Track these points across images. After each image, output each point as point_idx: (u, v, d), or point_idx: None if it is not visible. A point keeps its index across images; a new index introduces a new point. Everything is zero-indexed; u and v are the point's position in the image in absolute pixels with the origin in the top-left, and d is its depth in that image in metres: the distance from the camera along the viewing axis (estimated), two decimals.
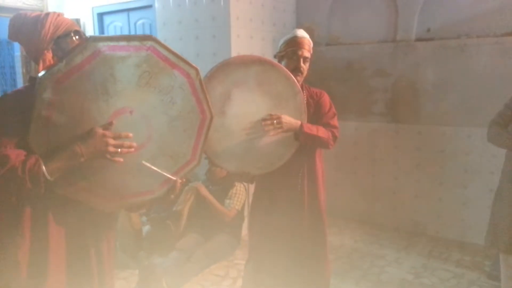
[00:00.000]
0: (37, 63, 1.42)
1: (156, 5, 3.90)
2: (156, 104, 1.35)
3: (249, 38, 3.67)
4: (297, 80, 2.11)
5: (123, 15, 4.50)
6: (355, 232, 4.01)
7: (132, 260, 3.14)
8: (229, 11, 3.44)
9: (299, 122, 2.03)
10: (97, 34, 4.68)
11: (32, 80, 1.44)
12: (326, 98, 2.30)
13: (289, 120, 1.99)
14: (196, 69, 1.38)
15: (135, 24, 4.43)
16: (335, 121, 2.27)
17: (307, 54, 2.19)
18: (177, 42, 3.74)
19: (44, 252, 1.37)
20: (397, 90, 3.95)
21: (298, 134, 2.05)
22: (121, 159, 1.31)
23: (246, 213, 3.31)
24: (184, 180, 1.54)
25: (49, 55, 1.40)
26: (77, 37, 1.44)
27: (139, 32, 4.37)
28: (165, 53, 1.30)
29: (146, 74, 1.29)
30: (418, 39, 3.80)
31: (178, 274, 2.82)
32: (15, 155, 1.23)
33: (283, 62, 2.19)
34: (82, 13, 4.81)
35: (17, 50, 5.91)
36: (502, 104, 2.38)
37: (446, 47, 3.66)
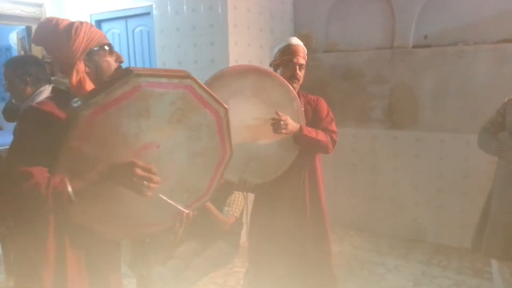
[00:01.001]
0: (64, 72, 1.38)
1: (154, 12, 3.91)
2: (183, 140, 1.35)
3: (246, 45, 3.68)
4: (294, 88, 2.12)
5: (121, 22, 4.51)
6: (354, 239, 3.99)
7: (129, 269, 3.11)
8: (226, 18, 3.45)
9: (299, 125, 2.05)
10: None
11: (55, 92, 1.42)
12: (323, 104, 2.31)
13: (291, 122, 2.01)
14: (226, 109, 1.39)
15: (133, 31, 4.43)
16: (333, 126, 2.28)
17: (302, 61, 2.20)
18: (175, 49, 3.75)
19: (65, 270, 1.33)
20: (395, 97, 3.95)
21: (297, 136, 2.05)
22: (150, 193, 1.26)
23: (244, 220, 3.29)
24: (194, 213, 1.52)
25: (82, 66, 1.36)
26: (111, 50, 1.42)
27: (137, 39, 4.37)
28: (200, 92, 1.31)
29: (179, 111, 1.29)
30: (416, 46, 3.81)
31: (176, 282, 2.79)
32: (39, 171, 1.19)
33: (278, 71, 2.20)
34: (81, 20, 4.82)
35: None
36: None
37: (444, 53, 3.67)
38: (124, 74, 1.19)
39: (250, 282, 2.42)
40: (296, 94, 2.09)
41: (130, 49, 4.47)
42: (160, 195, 1.37)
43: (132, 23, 4.40)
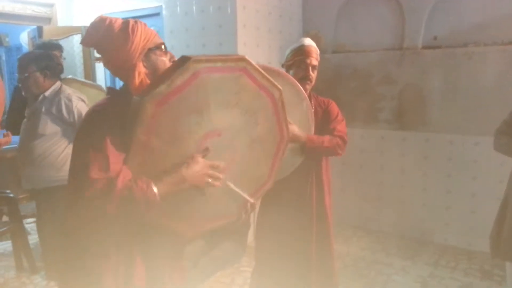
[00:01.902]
0: (119, 74, 1.34)
1: (164, 13, 3.93)
2: (242, 125, 1.33)
3: (255, 46, 3.69)
4: (306, 89, 2.12)
5: None
6: (362, 240, 3.98)
7: None
8: (236, 19, 3.46)
9: (304, 136, 2.04)
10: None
11: (112, 92, 1.39)
12: (333, 106, 2.32)
13: (295, 130, 1.98)
14: (280, 90, 1.37)
15: None
16: (343, 126, 2.27)
17: (315, 62, 2.20)
18: (184, 50, 3.76)
19: (130, 276, 1.31)
20: (404, 98, 3.93)
21: (302, 147, 2.06)
22: (208, 192, 1.30)
23: (252, 220, 3.30)
24: (258, 202, 1.53)
25: (142, 67, 1.31)
26: (163, 50, 1.37)
27: None
28: (255, 74, 1.29)
29: (236, 96, 1.27)
30: (425, 47, 3.79)
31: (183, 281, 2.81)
32: (124, 175, 1.16)
33: (291, 72, 2.20)
34: (91, 20, 4.86)
35: None
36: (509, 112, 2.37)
37: (453, 55, 3.65)
38: (181, 62, 1.17)
39: (256, 281, 2.43)
40: (306, 94, 2.08)
41: None
42: (228, 183, 1.37)
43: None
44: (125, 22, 1.31)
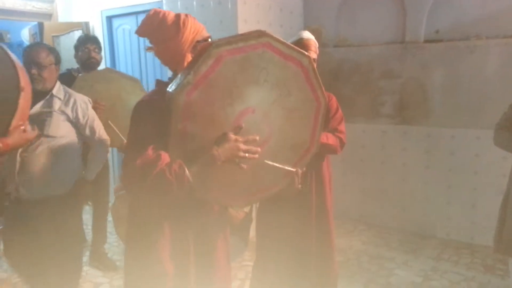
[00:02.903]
0: (170, 64, 1.46)
1: (164, 8, 3.92)
2: (275, 99, 1.36)
3: None
4: None
5: (132, 18, 4.53)
6: (364, 234, 3.99)
7: (123, 242, 3.15)
8: (236, 14, 3.45)
9: None
10: (106, 37, 4.72)
11: (160, 84, 1.48)
12: (334, 102, 2.32)
13: None
14: (309, 57, 1.38)
15: None
16: (342, 126, 2.29)
17: (314, 55, 2.19)
18: None
19: (185, 251, 1.48)
20: (405, 92, 3.92)
21: None
22: (245, 166, 1.35)
23: (253, 214, 3.31)
24: (304, 169, 1.57)
25: (190, 58, 1.41)
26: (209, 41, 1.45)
27: None
28: (279, 46, 1.30)
29: (264, 71, 1.30)
30: (427, 41, 3.78)
31: None
32: (162, 158, 1.27)
33: None
34: (91, 16, 4.86)
35: None
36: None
37: (455, 48, 3.63)
38: (204, 49, 1.22)
39: (257, 276, 2.44)
40: None
41: (141, 45, 4.49)
42: (266, 161, 1.40)
43: (142, 18, 4.42)
44: (177, 15, 1.42)
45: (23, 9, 4.70)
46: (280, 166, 1.43)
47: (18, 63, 1.45)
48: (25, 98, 1.43)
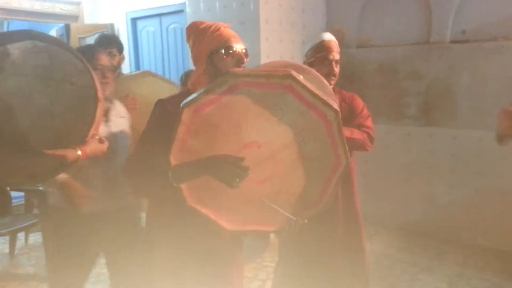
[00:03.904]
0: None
1: (187, 9, 3.96)
2: (287, 142, 1.33)
3: (278, 41, 3.67)
4: (330, 84, 2.09)
5: (156, 20, 4.60)
6: (386, 238, 3.92)
7: None
8: (258, 14, 3.45)
9: None
10: (130, 38, 4.80)
11: (183, 91, 1.57)
12: (358, 101, 2.28)
13: None
14: (336, 111, 1.31)
15: (167, 28, 4.51)
16: (369, 122, 2.24)
17: (337, 56, 2.16)
18: None
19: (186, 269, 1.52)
20: (431, 93, 3.85)
21: None
22: (237, 185, 1.31)
23: None
24: (306, 221, 1.49)
25: (202, 66, 1.48)
26: (230, 52, 1.47)
27: (171, 36, 4.45)
28: (303, 92, 1.26)
29: (280, 111, 1.28)
30: (453, 41, 3.69)
31: None
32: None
33: (313, 69, 2.17)
34: (117, 18, 4.95)
35: None
36: None
37: (482, 49, 3.54)
38: (224, 74, 1.25)
39: (279, 277, 2.43)
40: (331, 90, 2.06)
41: (164, 46, 4.55)
42: (263, 199, 1.37)
43: (166, 20, 4.49)
44: (209, 25, 1.50)
45: (51, 11, 4.83)
46: (277, 208, 1.38)
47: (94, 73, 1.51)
48: (101, 108, 1.49)
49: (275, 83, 1.23)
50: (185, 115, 1.22)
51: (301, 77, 1.26)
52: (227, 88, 1.21)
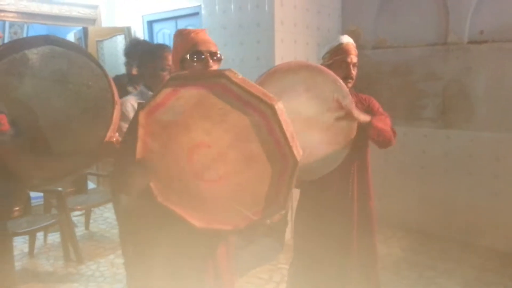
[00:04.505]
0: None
1: (203, 12, 3.99)
2: (232, 141, 1.31)
3: (293, 42, 3.67)
4: (347, 87, 2.08)
5: (171, 23, 4.64)
6: (403, 241, 3.88)
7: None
8: (273, 16, 3.46)
9: (369, 117, 2.01)
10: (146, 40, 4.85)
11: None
12: (375, 102, 2.28)
13: (357, 113, 1.96)
14: (272, 108, 1.26)
15: None
16: (389, 120, 2.23)
17: (355, 59, 2.15)
18: (221, 48, 3.75)
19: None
20: (448, 95, 3.80)
21: (367, 127, 2.01)
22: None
23: (289, 217, 3.30)
24: (268, 222, 1.47)
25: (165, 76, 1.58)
26: (194, 58, 1.51)
27: None
28: (237, 90, 1.25)
29: (221, 110, 1.28)
30: (471, 42, 3.64)
31: None
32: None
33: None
34: (133, 21, 5.01)
35: None
36: None
37: (501, 50, 3.48)
38: (169, 78, 1.30)
39: (293, 277, 2.43)
40: (348, 91, 2.05)
41: None
42: (219, 196, 1.37)
43: (182, 23, 4.52)
44: (186, 30, 1.55)
45: (69, 15, 4.91)
46: (237, 207, 1.36)
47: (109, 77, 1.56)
48: (117, 110, 1.53)
49: (211, 83, 1.25)
50: (141, 118, 1.28)
51: (239, 75, 1.26)
52: (170, 92, 1.26)
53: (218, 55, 1.57)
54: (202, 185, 1.34)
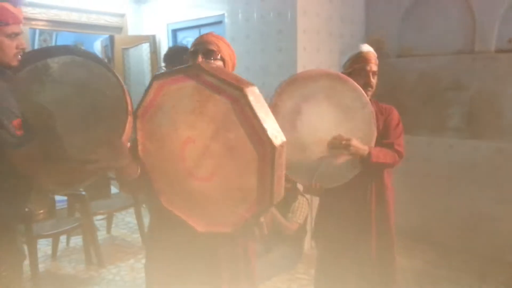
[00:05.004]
0: None
1: (226, 20, 4.03)
2: (213, 133, 1.29)
3: (315, 51, 3.65)
4: (367, 95, 2.08)
5: (195, 31, 4.71)
6: (425, 254, 3.77)
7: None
8: (296, 24, 3.45)
9: (366, 150, 1.98)
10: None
11: None
12: (395, 115, 2.25)
13: (357, 145, 1.95)
14: (241, 90, 1.21)
15: None
16: (401, 140, 2.20)
17: (375, 68, 2.16)
18: (244, 56, 3.82)
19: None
20: (475, 105, 3.70)
21: (364, 161, 2.00)
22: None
23: (308, 227, 3.26)
24: (262, 219, 1.47)
25: None
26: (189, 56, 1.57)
27: None
28: (210, 78, 1.25)
29: (198, 103, 1.29)
30: (499, 50, 3.54)
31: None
32: None
33: None
34: (158, 29, 5.10)
35: None
36: None
37: None
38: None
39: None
40: (368, 99, 2.04)
41: None
42: (211, 194, 1.36)
43: (205, 31, 4.56)
44: None
45: (97, 23, 5.04)
46: (229, 206, 1.33)
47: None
48: (130, 122, 1.55)
49: (188, 76, 1.28)
50: (138, 122, 1.37)
51: (214, 64, 1.32)
52: (156, 89, 1.32)
53: (214, 53, 1.54)
54: (196, 185, 1.35)
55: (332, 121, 1.97)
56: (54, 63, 1.56)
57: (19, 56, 1.56)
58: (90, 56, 1.60)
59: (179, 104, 1.31)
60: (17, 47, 1.54)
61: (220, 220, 1.39)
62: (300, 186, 2.47)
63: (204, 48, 1.55)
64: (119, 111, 1.53)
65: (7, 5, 1.49)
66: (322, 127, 1.97)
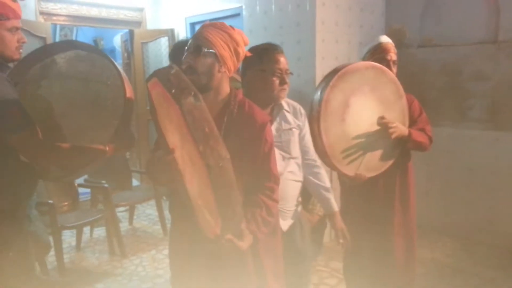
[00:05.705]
0: None
1: (244, 13, 4.02)
2: (180, 142, 1.31)
3: (334, 42, 3.62)
4: None
5: None
6: (447, 246, 3.74)
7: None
8: (314, 16, 3.43)
9: (407, 130, 2.10)
10: None
11: None
12: (417, 103, 2.31)
13: (401, 127, 2.06)
14: (197, 95, 1.27)
15: None
16: (429, 125, 2.29)
17: (394, 57, 2.22)
18: None
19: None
20: (498, 95, 3.62)
21: (406, 140, 2.10)
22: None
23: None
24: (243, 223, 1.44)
25: None
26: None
27: None
28: (165, 85, 1.27)
29: (166, 110, 1.30)
30: None
31: None
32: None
33: None
34: (176, 23, 5.13)
35: (119, 58, 6.42)
36: None
37: None
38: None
39: (349, 280, 2.54)
40: (403, 91, 2.12)
41: None
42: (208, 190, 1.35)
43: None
44: None
45: (116, 18, 5.09)
46: (207, 216, 1.33)
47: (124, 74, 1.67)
48: (129, 106, 1.63)
49: (156, 82, 1.27)
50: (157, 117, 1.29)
51: (173, 70, 1.27)
52: (150, 91, 1.29)
53: (201, 49, 1.48)
54: (201, 192, 1.33)
55: (376, 112, 2.05)
56: (61, 58, 1.68)
57: (21, 50, 1.64)
58: (93, 50, 1.73)
59: (160, 109, 1.29)
60: (18, 41, 1.61)
61: (228, 215, 1.40)
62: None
63: (192, 43, 1.49)
64: (119, 100, 1.62)
65: (7, 0, 1.54)
66: (366, 118, 2.04)
